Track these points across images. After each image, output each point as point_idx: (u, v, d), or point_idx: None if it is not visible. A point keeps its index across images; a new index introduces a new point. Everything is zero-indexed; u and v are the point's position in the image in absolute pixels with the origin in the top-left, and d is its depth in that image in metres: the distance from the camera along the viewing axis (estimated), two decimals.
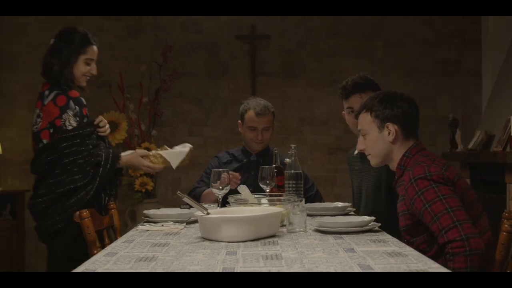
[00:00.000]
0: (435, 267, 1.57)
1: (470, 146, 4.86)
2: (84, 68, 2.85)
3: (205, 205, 2.51)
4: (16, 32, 5.66)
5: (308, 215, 2.50)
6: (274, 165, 2.94)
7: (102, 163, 2.72)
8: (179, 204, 2.91)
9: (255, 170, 3.05)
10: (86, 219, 2.40)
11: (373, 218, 2.26)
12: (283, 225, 2.25)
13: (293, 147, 2.88)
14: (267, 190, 2.83)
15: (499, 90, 5.01)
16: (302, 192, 2.86)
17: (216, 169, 2.52)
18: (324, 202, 3.33)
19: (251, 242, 1.97)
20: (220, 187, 2.49)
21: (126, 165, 2.85)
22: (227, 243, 1.96)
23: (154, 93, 5.47)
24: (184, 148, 2.79)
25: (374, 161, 2.35)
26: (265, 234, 2.06)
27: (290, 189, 2.83)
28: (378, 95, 2.33)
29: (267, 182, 2.83)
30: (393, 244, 1.92)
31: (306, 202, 2.54)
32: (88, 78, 2.90)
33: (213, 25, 5.73)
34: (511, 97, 4.67)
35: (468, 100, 5.70)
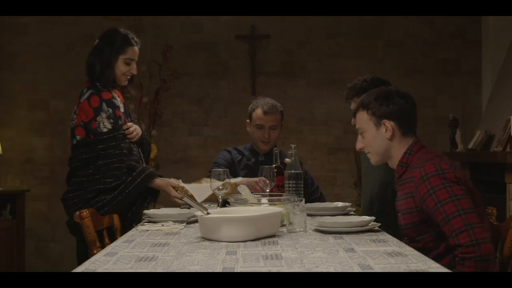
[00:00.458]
0: (435, 267, 1.57)
1: (470, 146, 4.86)
2: (124, 67, 2.92)
3: (205, 205, 2.51)
4: (16, 32, 5.66)
5: (308, 215, 2.50)
6: (274, 165, 2.94)
7: (134, 174, 2.79)
8: (179, 204, 2.92)
9: None
10: (86, 219, 2.40)
11: (373, 218, 2.25)
12: (283, 225, 2.25)
13: (293, 147, 2.88)
14: (267, 190, 2.83)
15: (499, 90, 5.01)
16: (302, 192, 2.86)
17: (217, 169, 2.51)
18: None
19: (251, 242, 1.97)
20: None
21: (157, 188, 2.89)
22: (227, 243, 1.96)
23: (154, 93, 5.47)
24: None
25: (373, 159, 2.35)
26: (265, 234, 2.06)
27: (290, 189, 2.83)
28: (374, 92, 2.32)
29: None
30: (393, 244, 1.92)
31: None
32: (128, 77, 2.97)
33: (213, 25, 5.73)
34: (511, 97, 4.67)
35: (468, 100, 5.70)
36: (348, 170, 5.69)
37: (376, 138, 2.28)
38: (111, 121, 2.82)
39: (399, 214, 2.25)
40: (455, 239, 1.99)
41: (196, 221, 2.43)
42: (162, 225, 2.39)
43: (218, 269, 1.57)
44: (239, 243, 1.95)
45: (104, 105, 2.82)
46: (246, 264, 1.62)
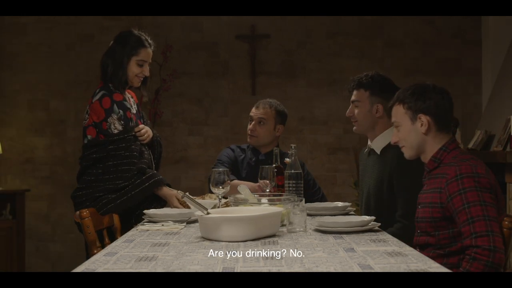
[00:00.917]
0: (435, 267, 1.57)
1: (470, 146, 4.86)
2: (136, 69, 2.93)
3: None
4: (16, 32, 5.66)
5: (308, 215, 2.50)
6: (274, 165, 2.94)
7: (144, 177, 2.80)
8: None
9: None
10: (86, 219, 2.40)
11: (373, 218, 2.25)
12: (283, 225, 2.25)
13: (293, 147, 2.88)
14: (267, 190, 2.83)
15: (499, 90, 5.01)
16: (302, 192, 2.86)
17: (217, 169, 2.51)
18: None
19: (251, 242, 1.97)
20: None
21: (162, 196, 2.89)
22: (227, 243, 1.96)
23: (154, 93, 5.48)
24: (214, 201, 2.81)
25: (408, 153, 2.36)
26: (265, 234, 2.06)
27: (290, 188, 2.83)
28: (411, 87, 2.34)
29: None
30: (393, 244, 1.92)
31: None
32: (141, 79, 2.98)
33: (213, 25, 5.73)
34: (511, 97, 4.67)
35: (468, 99, 5.70)
36: (348, 169, 5.69)
37: (411, 132, 2.29)
38: (122, 122, 2.85)
39: (419, 207, 2.27)
40: (473, 240, 2.02)
41: (196, 221, 2.43)
42: (162, 225, 2.39)
43: (218, 269, 1.57)
44: (239, 243, 1.95)
45: (115, 106, 2.84)
46: (246, 264, 1.62)
